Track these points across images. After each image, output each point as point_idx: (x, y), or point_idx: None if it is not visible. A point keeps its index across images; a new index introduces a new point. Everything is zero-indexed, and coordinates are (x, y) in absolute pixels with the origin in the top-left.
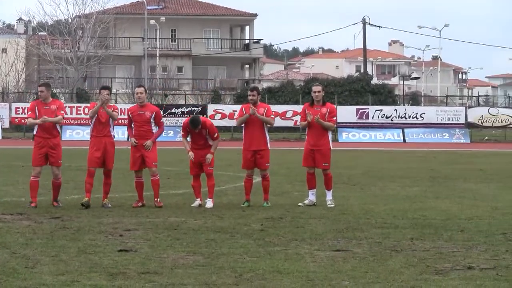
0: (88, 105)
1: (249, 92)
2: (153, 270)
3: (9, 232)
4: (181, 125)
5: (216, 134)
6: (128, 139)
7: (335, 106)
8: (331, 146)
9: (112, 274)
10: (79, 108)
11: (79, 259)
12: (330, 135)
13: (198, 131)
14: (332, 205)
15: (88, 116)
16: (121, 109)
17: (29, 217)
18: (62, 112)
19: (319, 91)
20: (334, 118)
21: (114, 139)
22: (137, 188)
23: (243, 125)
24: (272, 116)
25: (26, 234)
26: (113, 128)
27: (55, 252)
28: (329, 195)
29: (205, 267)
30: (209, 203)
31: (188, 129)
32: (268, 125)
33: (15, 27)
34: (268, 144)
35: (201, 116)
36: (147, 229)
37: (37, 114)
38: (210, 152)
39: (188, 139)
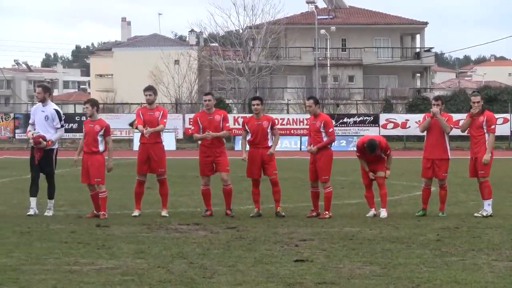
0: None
1: (433, 102)
2: (329, 280)
3: (186, 243)
4: (353, 135)
5: (389, 151)
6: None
7: (492, 114)
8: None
9: (289, 284)
10: None
11: (255, 269)
12: (487, 143)
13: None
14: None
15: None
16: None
17: (205, 227)
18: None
19: (478, 101)
20: (492, 127)
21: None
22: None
23: (424, 133)
24: (451, 126)
25: (203, 244)
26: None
27: (232, 262)
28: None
29: (382, 278)
30: (383, 213)
31: (363, 151)
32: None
33: (187, 39)
34: (449, 153)
35: (373, 135)
36: (323, 239)
37: (201, 126)
38: (387, 168)
39: None
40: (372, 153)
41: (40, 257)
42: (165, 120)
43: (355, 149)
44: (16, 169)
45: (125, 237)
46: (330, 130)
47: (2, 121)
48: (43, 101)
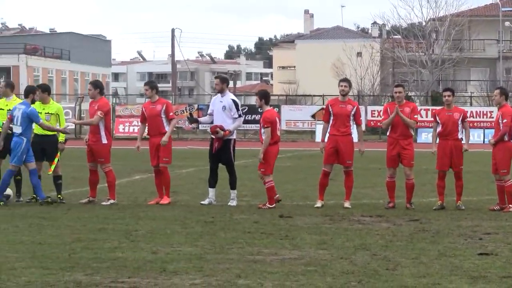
0: None
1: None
2: None
3: (369, 234)
4: None
5: None
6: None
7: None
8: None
9: (473, 277)
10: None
11: (439, 261)
12: None
13: None
14: None
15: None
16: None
17: (388, 219)
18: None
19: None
20: None
21: None
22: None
23: None
24: None
25: (385, 236)
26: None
27: (415, 255)
28: None
29: None
30: None
31: None
32: None
33: (370, 31)
34: None
35: None
36: (507, 232)
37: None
38: None
39: None
40: None
41: (224, 246)
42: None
43: None
44: (200, 159)
45: (308, 228)
46: (504, 121)
47: (186, 111)
48: (221, 91)
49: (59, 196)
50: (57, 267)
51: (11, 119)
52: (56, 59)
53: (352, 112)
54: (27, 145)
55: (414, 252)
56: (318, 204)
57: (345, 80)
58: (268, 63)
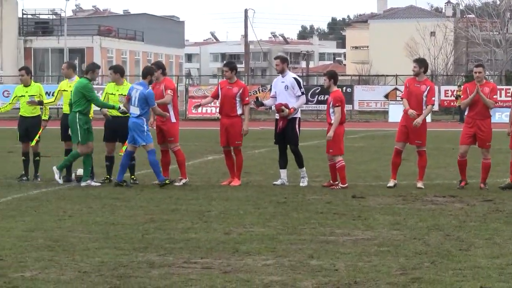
0: None
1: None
2: None
3: (442, 214)
4: None
5: None
6: None
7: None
8: None
9: None
10: (508, 91)
11: None
12: None
13: None
14: None
15: None
16: None
17: (461, 199)
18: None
19: None
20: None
21: None
22: None
23: None
24: None
25: (459, 216)
26: None
27: (489, 235)
28: None
29: None
30: None
31: None
32: None
33: (443, 10)
34: None
35: None
36: None
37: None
38: None
39: None
40: None
41: (296, 227)
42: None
43: None
44: (272, 139)
45: (381, 209)
46: None
47: (259, 92)
48: (282, 72)
49: (132, 177)
50: (130, 247)
51: (128, 99)
52: (129, 41)
53: (425, 93)
54: (147, 126)
55: (488, 233)
56: (391, 183)
57: (416, 60)
58: (341, 43)
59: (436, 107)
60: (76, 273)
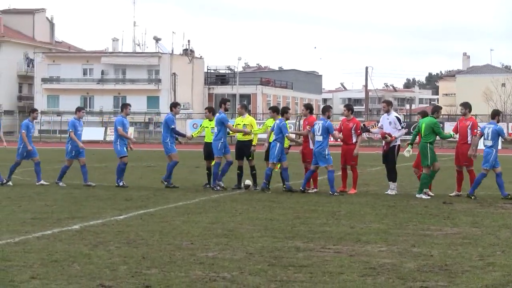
0: None
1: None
2: None
3: (510, 217)
4: None
5: None
6: None
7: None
8: None
9: None
10: None
11: None
12: None
13: None
14: None
15: None
16: None
17: None
18: None
19: None
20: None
21: None
22: None
23: None
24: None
25: None
26: None
27: None
28: None
29: None
30: None
31: None
32: None
33: (511, 68)
34: None
35: None
36: None
37: None
38: None
39: None
40: None
41: (402, 224)
42: None
43: None
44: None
45: (464, 211)
46: None
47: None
48: (387, 111)
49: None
50: (282, 236)
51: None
52: (283, 89)
53: (469, 126)
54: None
55: None
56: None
57: (461, 104)
58: (435, 91)
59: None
60: (244, 254)
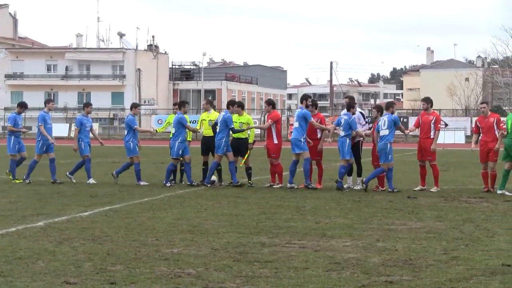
0: None
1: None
2: None
3: (473, 211)
4: None
5: None
6: None
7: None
8: None
9: None
10: None
11: None
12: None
13: None
14: None
15: None
16: None
17: (487, 200)
18: None
19: None
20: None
21: None
22: None
23: None
24: None
25: (486, 212)
26: None
27: (509, 226)
28: None
29: None
30: None
31: None
32: None
33: (475, 62)
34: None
35: None
36: None
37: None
38: None
39: None
40: None
41: (367, 218)
42: None
43: None
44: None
45: (428, 206)
46: None
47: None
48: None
49: (249, 181)
50: (248, 232)
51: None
52: (247, 84)
53: (432, 121)
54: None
55: (508, 224)
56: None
57: (423, 99)
58: (400, 86)
59: (468, 133)
60: (210, 250)
